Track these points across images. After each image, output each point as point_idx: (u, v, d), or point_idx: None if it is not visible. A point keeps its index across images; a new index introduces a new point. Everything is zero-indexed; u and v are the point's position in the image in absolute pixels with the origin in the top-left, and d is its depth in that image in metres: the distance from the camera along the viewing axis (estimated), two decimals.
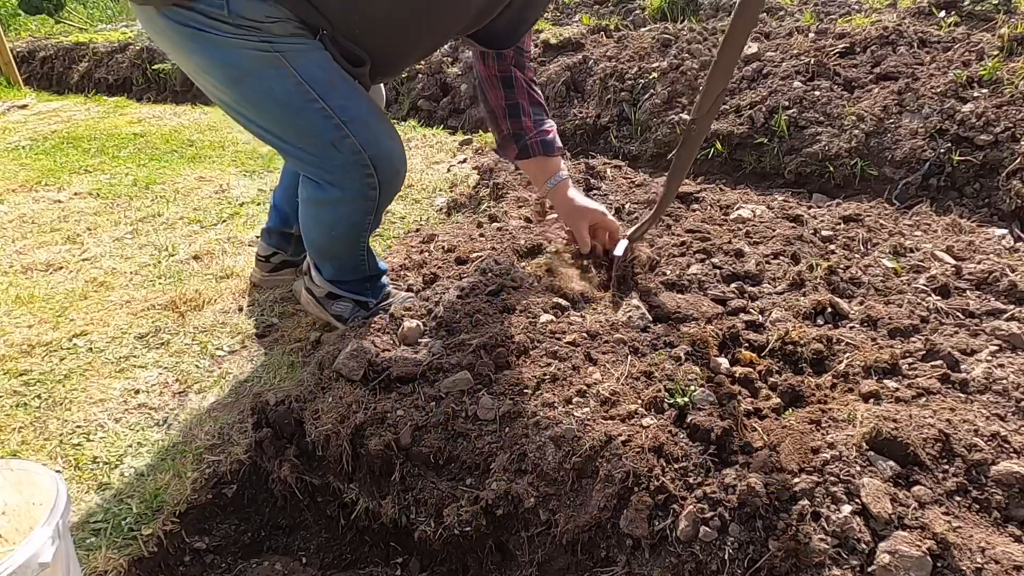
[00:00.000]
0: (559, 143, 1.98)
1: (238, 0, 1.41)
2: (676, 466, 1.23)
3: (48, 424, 1.75)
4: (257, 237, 2.42)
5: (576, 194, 1.98)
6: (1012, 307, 1.59)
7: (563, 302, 1.74)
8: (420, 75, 4.18)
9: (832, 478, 1.16)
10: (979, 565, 1.03)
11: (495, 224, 2.28)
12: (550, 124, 1.97)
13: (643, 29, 3.91)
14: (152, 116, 4.57)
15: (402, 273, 2.16)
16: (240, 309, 2.22)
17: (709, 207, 2.27)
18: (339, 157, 1.58)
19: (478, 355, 1.53)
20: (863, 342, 1.50)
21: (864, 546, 1.07)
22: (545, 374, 1.47)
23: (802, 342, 1.50)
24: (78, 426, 1.75)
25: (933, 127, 2.51)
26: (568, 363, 1.50)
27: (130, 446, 1.68)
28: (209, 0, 1.40)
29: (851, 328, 1.57)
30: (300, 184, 1.76)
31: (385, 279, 1.98)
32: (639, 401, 1.38)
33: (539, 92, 1.97)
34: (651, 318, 1.64)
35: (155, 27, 1.51)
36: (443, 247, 2.18)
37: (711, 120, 1.62)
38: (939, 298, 1.66)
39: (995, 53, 2.73)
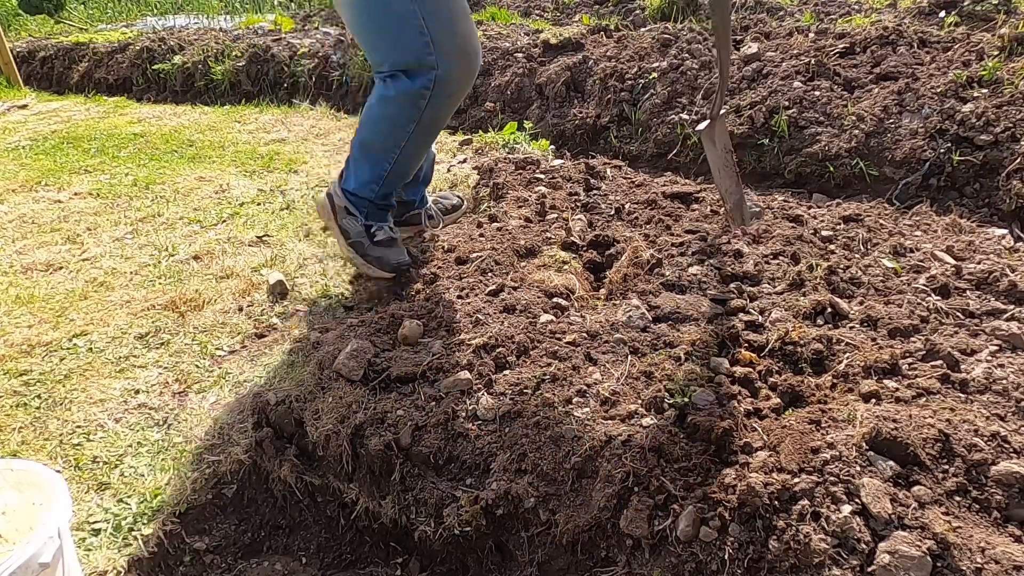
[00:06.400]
0: None
1: None
2: (676, 466, 1.23)
3: (48, 424, 1.75)
4: (258, 237, 2.42)
5: None
6: (1012, 307, 1.59)
7: (563, 302, 1.74)
8: None
9: (832, 478, 1.15)
10: (979, 565, 1.03)
11: (495, 224, 2.28)
12: None
13: (643, 29, 3.91)
14: (152, 116, 4.57)
15: None
16: (240, 309, 2.22)
17: (709, 207, 2.27)
18: (413, 70, 1.87)
19: (478, 355, 1.53)
20: (863, 342, 1.50)
21: (864, 546, 1.07)
22: (545, 374, 1.47)
23: (802, 342, 1.50)
24: (78, 426, 1.75)
25: (933, 127, 2.51)
26: (568, 363, 1.50)
27: (130, 446, 1.68)
28: None
29: (851, 328, 1.56)
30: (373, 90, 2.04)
31: (391, 223, 2.18)
32: (639, 401, 1.38)
33: None
34: (651, 318, 1.64)
35: None
36: (443, 247, 2.18)
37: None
38: (939, 298, 1.66)
39: (995, 53, 2.73)
